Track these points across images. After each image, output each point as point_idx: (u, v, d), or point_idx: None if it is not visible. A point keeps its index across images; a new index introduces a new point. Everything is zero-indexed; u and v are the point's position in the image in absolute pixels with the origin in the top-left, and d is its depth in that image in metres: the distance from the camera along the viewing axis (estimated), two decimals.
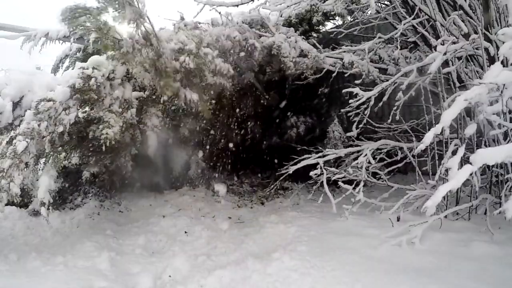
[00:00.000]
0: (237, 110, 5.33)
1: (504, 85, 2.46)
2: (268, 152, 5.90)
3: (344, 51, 4.75)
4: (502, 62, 2.69)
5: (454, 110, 2.41)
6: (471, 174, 3.10)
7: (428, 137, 2.40)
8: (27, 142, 2.98)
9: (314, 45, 4.84)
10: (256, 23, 4.99)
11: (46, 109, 3.11)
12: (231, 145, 5.67)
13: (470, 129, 2.72)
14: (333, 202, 3.97)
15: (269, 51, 4.35)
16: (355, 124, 4.41)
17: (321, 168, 4.19)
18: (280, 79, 4.86)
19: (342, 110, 4.62)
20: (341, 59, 4.62)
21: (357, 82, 4.37)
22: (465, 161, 2.49)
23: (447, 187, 2.25)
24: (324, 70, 4.73)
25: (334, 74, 4.71)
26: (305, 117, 5.87)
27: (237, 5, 4.37)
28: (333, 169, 4.30)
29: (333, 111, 5.77)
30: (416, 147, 3.07)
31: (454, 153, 2.93)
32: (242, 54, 4.15)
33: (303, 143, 5.28)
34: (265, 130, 5.95)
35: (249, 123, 5.70)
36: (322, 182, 4.14)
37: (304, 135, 5.74)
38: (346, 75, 4.68)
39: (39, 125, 3.06)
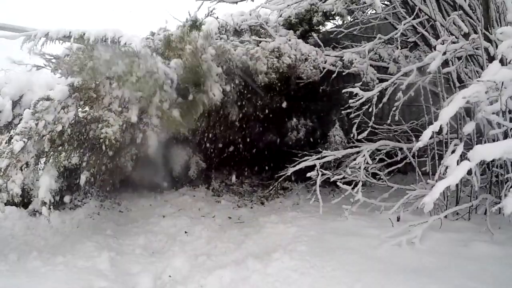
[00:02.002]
0: (238, 110, 5.33)
1: (502, 83, 2.46)
2: (268, 152, 5.89)
3: (344, 52, 4.74)
4: (500, 61, 2.69)
5: (453, 108, 2.41)
6: (470, 174, 3.11)
7: (426, 135, 2.40)
8: (24, 142, 2.98)
9: (316, 44, 4.82)
10: (255, 27, 4.99)
11: (45, 108, 3.10)
12: (231, 145, 5.67)
13: (469, 127, 2.72)
14: (320, 205, 3.96)
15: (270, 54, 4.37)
16: (356, 127, 4.39)
17: (317, 170, 4.19)
18: (280, 81, 4.86)
19: (343, 112, 4.61)
20: (341, 57, 4.61)
21: (359, 86, 4.35)
22: (464, 160, 2.48)
23: (445, 183, 2.24)
24: (325, 70, 4.72)
25: (334, 75, 4.70)
26: (306, 119, 5.85)
27: (236, 2, 4.37)
28: (327, 172, 4.29)
29: (333, 113, 5.75)
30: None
31: (453, 152, 2.92)
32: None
33: (303, 144, 5.25)
34: (265, 131, 5.94)
35: (249, 123, 5.70)
36: (322, 182, 4.14)
37: (304, 137, 5.73)
38: (344, 73, 4.67)
39: (36, 125, 3.05)
